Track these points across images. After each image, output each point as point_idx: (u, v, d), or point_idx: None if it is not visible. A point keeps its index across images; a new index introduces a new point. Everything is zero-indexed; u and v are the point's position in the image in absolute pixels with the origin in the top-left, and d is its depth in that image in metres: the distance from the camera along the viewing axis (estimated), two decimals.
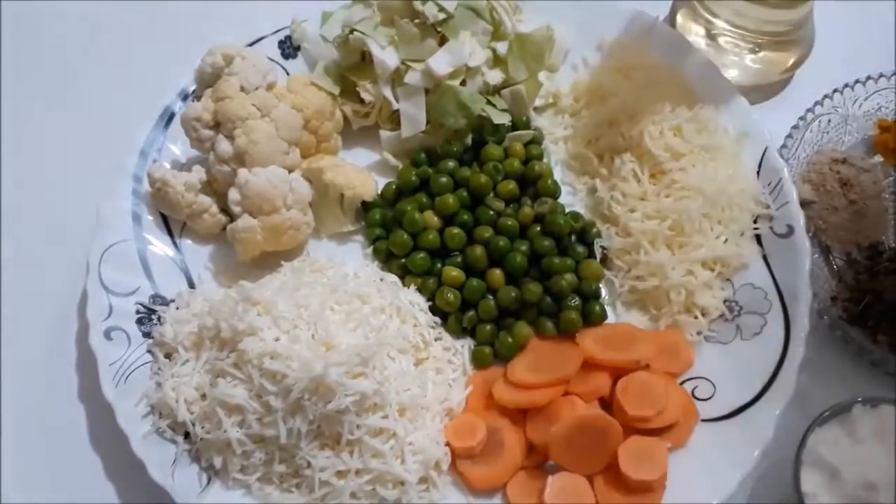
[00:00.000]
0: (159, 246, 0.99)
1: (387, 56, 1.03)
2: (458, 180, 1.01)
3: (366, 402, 0.80)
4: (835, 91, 1.08)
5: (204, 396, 0.85)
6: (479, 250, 0.96)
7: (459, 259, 0.98)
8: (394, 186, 1.04)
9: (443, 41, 1.04)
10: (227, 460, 0.82)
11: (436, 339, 0.94)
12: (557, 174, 1.06)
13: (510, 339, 0.93)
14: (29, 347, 0.99)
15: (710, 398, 0.89)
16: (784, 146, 1.04)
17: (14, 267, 1.05)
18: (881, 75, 1.10)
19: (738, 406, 0.87)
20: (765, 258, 0.96)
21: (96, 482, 0.90)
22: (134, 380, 0.89)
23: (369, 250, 1.02)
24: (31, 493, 0.91)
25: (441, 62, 1.02)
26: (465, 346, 0.95)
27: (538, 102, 1.10)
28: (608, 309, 0.96)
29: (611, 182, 1.02)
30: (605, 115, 1.05)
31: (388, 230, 1.01)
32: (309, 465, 0.80)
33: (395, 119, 1.06)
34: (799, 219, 0.95)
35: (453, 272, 0.96)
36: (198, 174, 0.99)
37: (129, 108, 1.05)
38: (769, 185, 0.99)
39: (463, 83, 1.04)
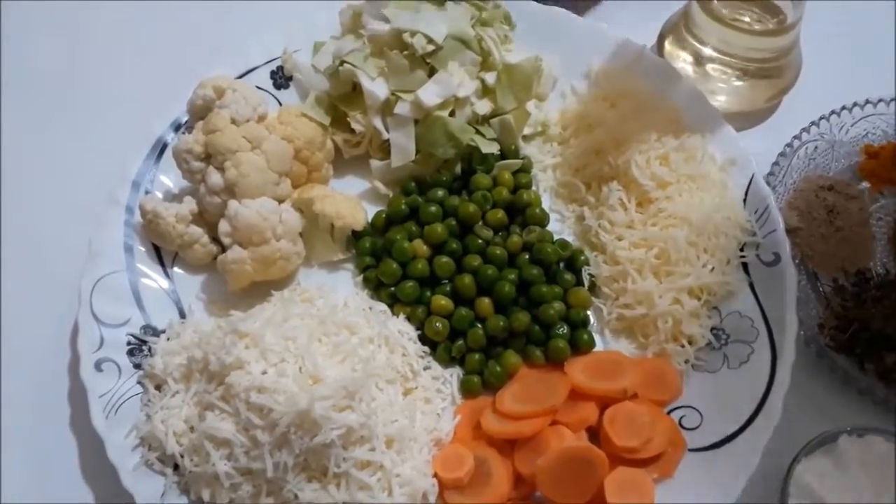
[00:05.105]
0: (151, 276, 1.00)
1: (376, 87, 1.04)
2: (448, 209, 1.02)
3: (352, 435, 0.81)
4: (821, 117, 1.09)
5: (193, 429, 0.85)
6: (467, 279, 0.97)
7: (448, 288, 0.98)
8: (384, 215, 1.05)
9: (432, 72, 1.05)
10: (215, 493, 0.82)
11: (424, 369, 0.94)
12: (546, 202, 1.07)
13: (499, 368, 0.94)
14: (20, 379, 0.99)
15: (697, 427, 0.89)
16: (771, 173, 1.05)
17: (5, 298, 1.05)
18: (868, 101, 1.10)
19: (725, 436, 0.87)
20: (751, 286, 0.96)
21: None
22: (124, 411, 0.89)
23: (360, 278, 1.02)
24: None
25: (430, 93, 1.03)
26: (454, 375, 0.95)
27: (527, 131, 1.10)
28: (596, 337, 0.97)
29: (598, 210, 1.02)
30: (593, 143, 1.05)
31: (378, 259, 1.02)
32: (296, 497, 0.80)
33: (385, 149, 1.07)
34: (785, 247, 0.96)
35: (442, 301, 0.96)
36: (189, 205, 1.00)
37: (121, 140, 1.05)
38: (756, 212, 0.99)
39: (452, 113, 1.05)
